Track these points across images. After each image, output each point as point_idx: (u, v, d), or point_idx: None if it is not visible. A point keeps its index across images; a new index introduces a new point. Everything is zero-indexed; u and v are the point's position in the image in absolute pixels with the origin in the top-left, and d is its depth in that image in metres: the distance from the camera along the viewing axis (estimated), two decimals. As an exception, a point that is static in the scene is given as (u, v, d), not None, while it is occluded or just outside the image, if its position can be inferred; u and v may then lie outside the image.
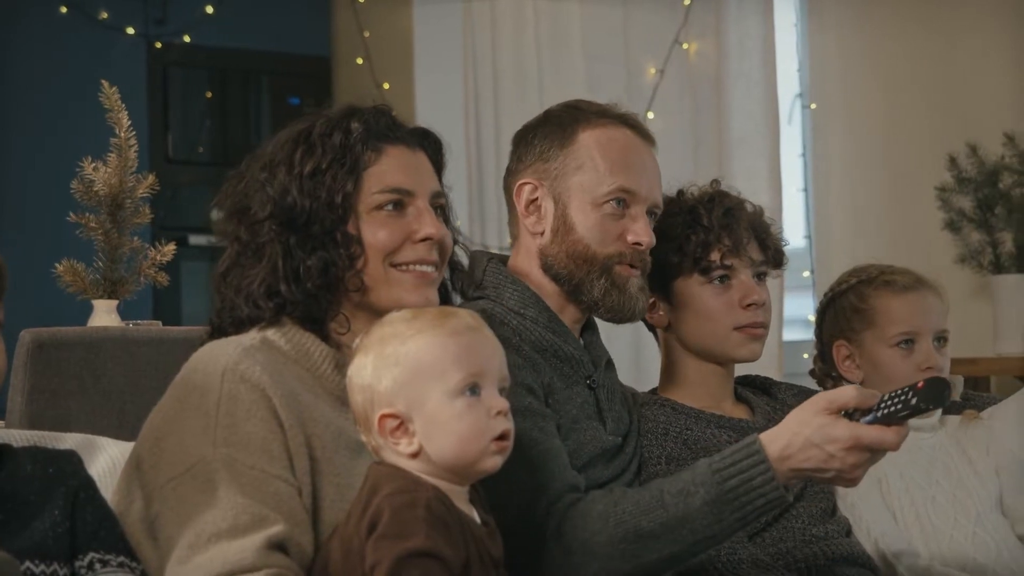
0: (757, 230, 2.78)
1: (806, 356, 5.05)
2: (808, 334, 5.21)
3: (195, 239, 5.77)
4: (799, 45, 5.43)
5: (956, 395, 3.09)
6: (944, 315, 2.95)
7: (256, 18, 6.22)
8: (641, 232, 2.56)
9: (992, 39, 4.99)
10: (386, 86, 5.96)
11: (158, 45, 6.03)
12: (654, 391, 2.83)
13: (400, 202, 2.22)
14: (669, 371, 2.82)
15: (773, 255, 2.80)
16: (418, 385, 1.98)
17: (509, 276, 2.58)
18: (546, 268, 2.58)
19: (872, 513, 2.80)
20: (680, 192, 2.79)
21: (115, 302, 3.21)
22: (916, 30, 5.16)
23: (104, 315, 3.18)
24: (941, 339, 2.92)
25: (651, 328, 2.84)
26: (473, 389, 1.99)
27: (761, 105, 5.32)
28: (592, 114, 2.61)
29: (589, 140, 2.57)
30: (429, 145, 2.33)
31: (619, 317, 2.59)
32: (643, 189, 2.57)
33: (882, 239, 5.03)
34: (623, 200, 2.55)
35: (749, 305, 2.72)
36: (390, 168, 2.22)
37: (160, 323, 3.25)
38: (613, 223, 2.55)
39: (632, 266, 2.57)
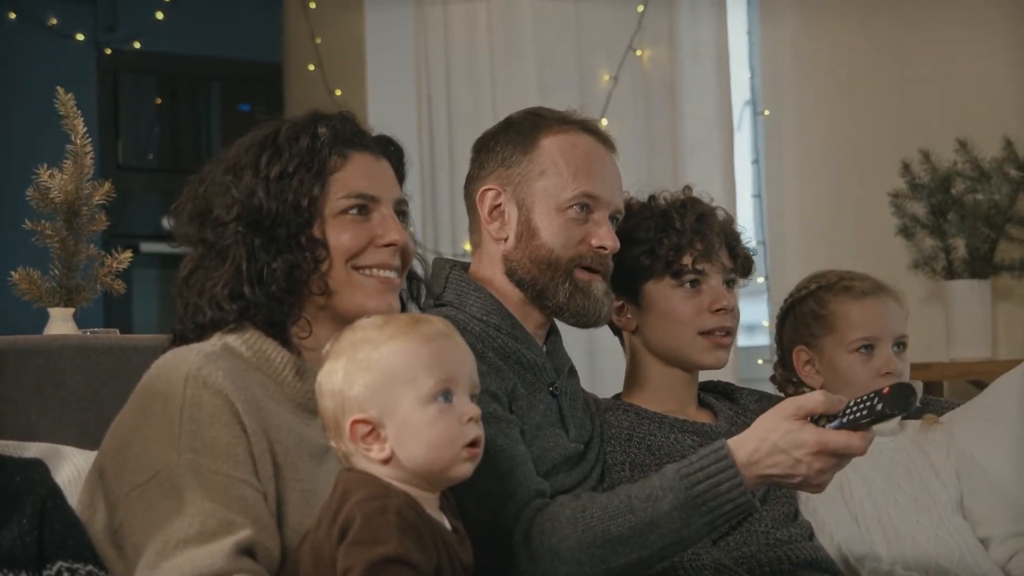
0: (728, 237, 2.80)
1: (761, 362, 5.11)
2: (762, 339, 5.26)
3: (146, 247, 5.73)
4: (752, 52, 5.46)
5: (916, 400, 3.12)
6: (903, 321, 2.97)
7: (207, 24, 6.20)
8: (605, 236, 2.57)
9: (944, 47, 5.04)
10: (338, 93, 5.95)
11: (108, 51, 6.00)
12: (617, 396, 2.84)
13: (365, 207, 2.22)
14: (634, 375, 2.82)
15: (742, 263, 2.83)
16: (390, 390, 1.98)
17: (472, 283, 2.58)
18: (510, 273, 2.58)
19: (834, 517, 2.81)
20: (652, 197, 2.80)
21: (72, 310, 3.17)
22: (868, 38, 5.20)
23: (61, 323, 3.14)
24: (900, 344, 2.94)
25: (617, 332, 2.84)
26: (446, 395, 1.99)
27: (715, 111, 5.35)
28: (554, 120, 2.62)
29: (551, 146, 2.58)
30: (392, 153, 2.34)
31: (584, 321, 2.59)
32: (606, 194, 2.59)
33: (836, 245, 5.07)
34: (586, 205, 2.56)
35: (718, 310, 2.74)
36: (356, 174, 2.23)
37: (118, 331, 3.22)
38: (577, 228, 2.56)
39: (593, 270, 2.58)
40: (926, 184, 4.78)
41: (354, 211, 2.21)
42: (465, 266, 2.65)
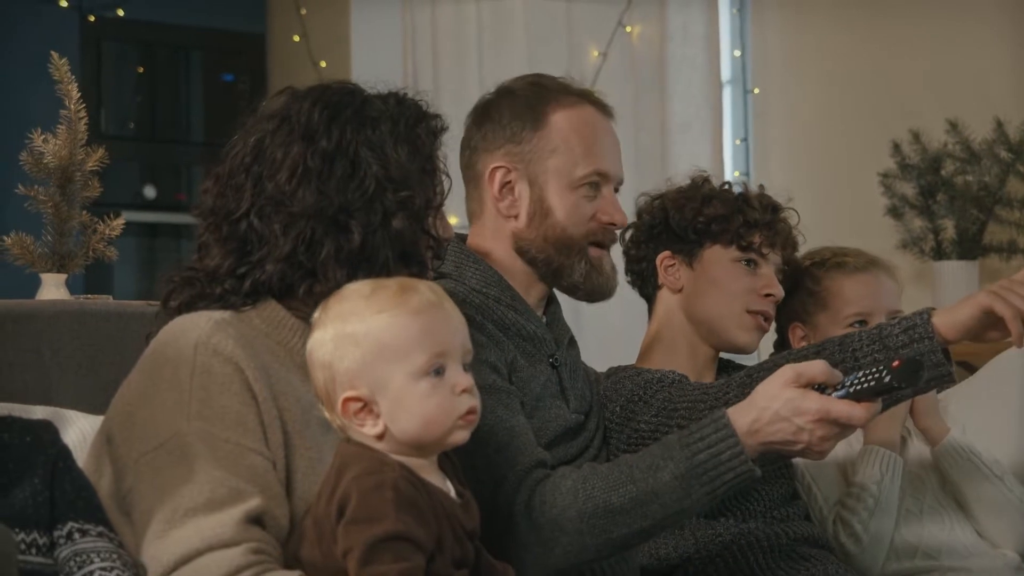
0: (787, 240, 2.89)
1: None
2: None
3: (127, 215, 5.68)
4: (741, 30, 5.46)
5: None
6: (897, 296, 2.98)
7: (191, -8, 6.18)
8: (615, 211, 2.57)
9: (936, 26, 5.04)
10: (323, 64, 5.92)
11: (92, 18, 5.96)
12: (627, 366, 2.84)
13: None
14: (657, 340, 2.86)
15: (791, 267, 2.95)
16: (380, 367, 1.94)
17: (471, 255, 2.56)
18: (521, 252, 2.56)
19: (829, 494, 2.84)
20: (728, 182, 2.91)
21: (64, 276, 3.15)
22: (859, 16, 5.21)
23: (53, 289, 3.12)
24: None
25: (647, 295, 2.87)
26: (438, 370, 1.95)
27: (704, 90, 5.35)
28: (559, 92, 2.59)
29: (562, 122, 2.55)
30: None
31: (596, 297, 2.60)
32: (613, 168, 2.58)
33: (824, 224, 5.02)
34: (596, 182, 2.56)
35: (768, 295, 2.81)
36: None
37: (111, 297, 3.20)
38: (587, 204, 2.55)
39: (602, 245, 2.58)
40: (916, 165, 4.79)
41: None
42: (463, 237, 2.63)
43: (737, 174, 5.43)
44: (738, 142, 5.47)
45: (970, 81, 4.92)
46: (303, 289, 2.12)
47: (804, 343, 2.97)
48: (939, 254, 4.77)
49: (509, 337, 2.50)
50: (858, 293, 2.95)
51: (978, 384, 3.17)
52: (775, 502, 2.73)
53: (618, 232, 2.62)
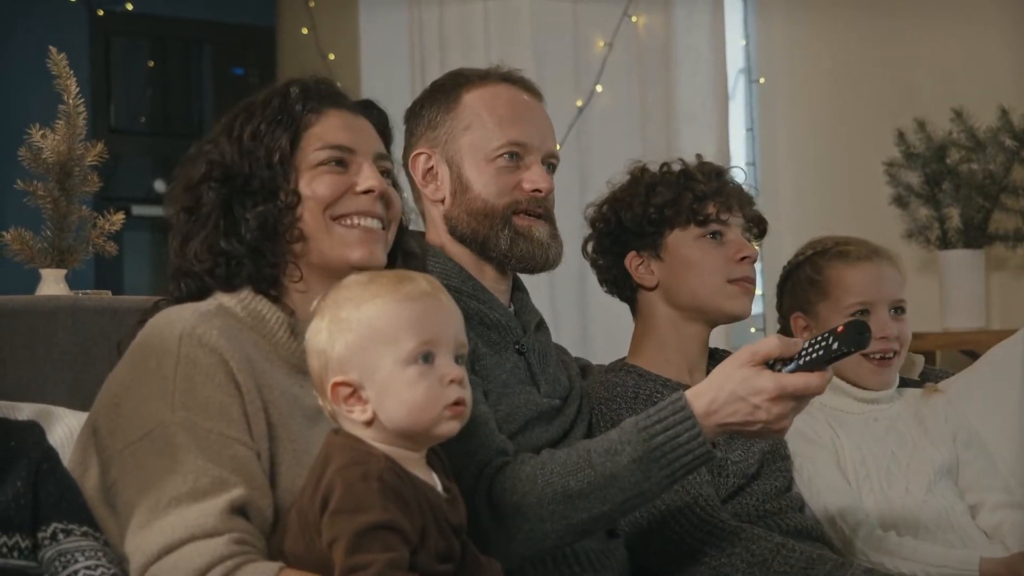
0: (742, 199, 2.83)
1: (753, 330, 5.10)
2: (755, 307, 5.24)
3: (138, 209, 5.71)
4: (747, 20, 5.44)
5: (916, 373, 3.13)
6: (900, 285, 2.97)
7: (200, -14, 6.20)
8: (538, 179, 2.58)
9: (940, 16, 5.02)
10: (332, 56, 5.92)
11: (100, 13, 5.97)
12: (619, 361, 2.84)
13: (342, 160, 2.22)
14: (646, 337, 2.84)
15: (757, 223, 2.88)
16: (370, 352, 1.95)
17: (431, 249, 2.57)
18: (452, 232, 2.59)
19: (829, 487, 2.83)
20: (666, 163, 2.84)
21: (63, 271, 3.16)
22: (864, 5, 5.19)
23: (52, 284, 3.13)
24: (898, 309, 2.94)
25: (626, 298, 2.85)
26: (426, 357, 1.95)
27: (709, 80, 5.33)
28: (475, 76, 2.63)
29: (473, 100, 2.59)
30: (373, 115, 2.33)
31: (532, 267, 2.60)
32: (534, 140, 2.60)
33: (830, 213, 5.06)
34: (515, 153, 2.58)
35: (743, 258, 2.77)
36: (331, 128, 2.23)
37: (110, 292, 3.21)
38: (508, 175, 2.57)
39: (532, 214, 2.59)
40: (921, 153, 4.78)
41: (332, 163, 2.21)
42: (421, 235, 2.65)
43: (745, 164, 5.41)
44: (745, 132, 5.46)
45: (974, 69, 4.90)
46: (281, 275, 2.20)
47: (807, 333, 2.96)
48: (945, 243, 4.76)
49: (471, 327, 2.48)
50: (860, 282, 2.93)
51: (979, 371, 3.16)
52: (768, 495, 2.73)
53: (548, 200, 2.60)
